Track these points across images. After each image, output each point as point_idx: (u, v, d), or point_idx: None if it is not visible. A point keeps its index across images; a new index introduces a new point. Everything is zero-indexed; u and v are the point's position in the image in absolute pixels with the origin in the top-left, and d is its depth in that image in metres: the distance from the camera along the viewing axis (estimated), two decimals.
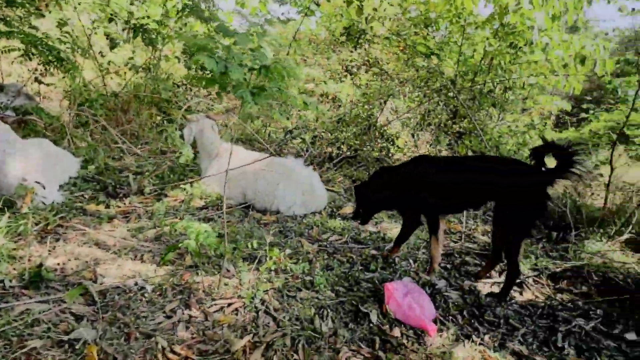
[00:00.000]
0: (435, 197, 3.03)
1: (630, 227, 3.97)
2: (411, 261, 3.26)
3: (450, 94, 5.71)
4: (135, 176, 4.05)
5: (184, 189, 3.93)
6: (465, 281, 3.06)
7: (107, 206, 3.54)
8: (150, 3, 7.06)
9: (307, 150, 5.37)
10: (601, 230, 4.04)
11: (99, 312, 2.18)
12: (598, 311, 2.87)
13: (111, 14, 5.65)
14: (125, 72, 5.96)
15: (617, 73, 10.56)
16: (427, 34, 7.30)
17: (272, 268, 2.72)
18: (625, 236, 3.92)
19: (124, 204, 3.64)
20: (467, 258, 3.47)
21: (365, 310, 2.52)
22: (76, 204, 3.48)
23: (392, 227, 3.92)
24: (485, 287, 3.04)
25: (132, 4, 6.65)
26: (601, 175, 4.52)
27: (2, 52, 4.77)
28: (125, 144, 4.43)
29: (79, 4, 6.40)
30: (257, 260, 2.79)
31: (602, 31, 14.20)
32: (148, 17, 5.89)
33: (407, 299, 2.52)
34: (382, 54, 8.01)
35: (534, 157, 2.84)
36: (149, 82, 5.72)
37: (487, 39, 6.37)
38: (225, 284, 2.58)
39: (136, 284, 2.51)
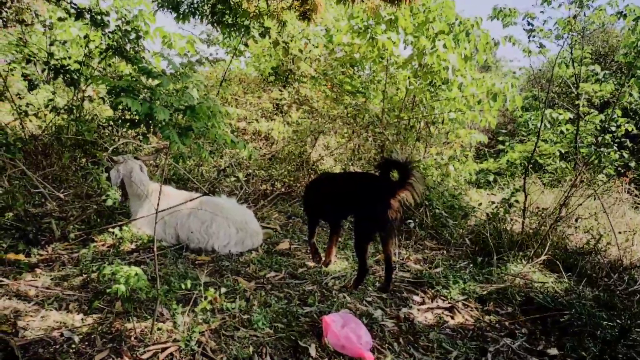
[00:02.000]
0: (319, 205, 3.83)
1: (546, 249, 4.32)
2: (347, 295, 3.33)
3: (378, 130, 6.00)
4: (59, 222, 3.85)
5: (113, 233, 3.78)
6: (401, 309, 3.17)
7: (28, 254, 3.33)
8: (72, 43, 6.89)
9: (241, 188, 5.37)
10: (521, 253, 4.36)
11: None
12: (523, 330, 3.08)
13: (29, 55, 5.44)
14: (45, 114, 5.70)
15: (527, 107, 11.61)
16: (353, 73, 7.67)
17: (208, 308, 2.67)
18: (543, 257, 4.25)
19: (47, 251, 3.44)
20: (402, 286, 3.60)
21: (304, 345, 2.54)
22: None
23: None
24: (419, 314, 3.16)
25: (52, 44, 6.46)
26: (517, 201, 4.89)
27: None
28: (46, 189, 4.20)
29: None
30: (192, 302, 2.73)
31: (511, 70, 15.57)
32: (69, 57, 5.72)
33: (344, 330, 2.58)
34: (312, 92, 8.28)
35: (381, 174, 3.33)
36: (72, 124, 5.50)
37: (408, 78, 6.81)
38: (159, 329, 2.50)
39: (62, 335, 2.37)
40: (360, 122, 6.36)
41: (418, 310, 3.21)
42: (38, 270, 3.12)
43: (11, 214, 3.78)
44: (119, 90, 2.24)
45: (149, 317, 2.60)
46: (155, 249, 2.50)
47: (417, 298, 3.39)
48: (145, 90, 2.37)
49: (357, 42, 6.80)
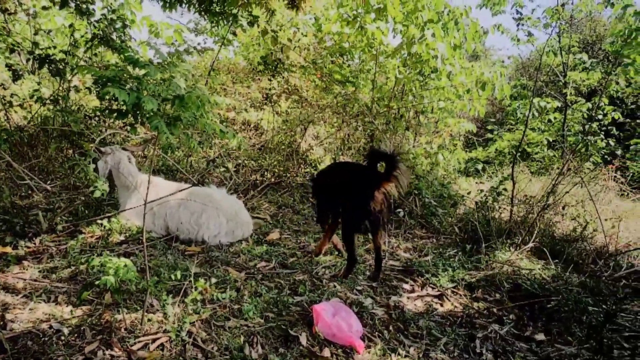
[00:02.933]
0: (320, 194, 3.83)
1: (534, 236, 4.37)
2: (337, 284, 3.34)
3: (367, 119, 6.00)
4: (46, 214, 3.81)
5: (101, 225, 3.76)
6: (391, 297, 3.20)
7: (15, 247, 3.29)
8: (57, 32, 6.77)
9: (230, 179, 5.35)
10: (509, 241, 4.40)
11: (18, 357, 2.02)
12: (511, 316, 3.12)
13: (13, 45, 5.33)
14: (30, 105, 5.61)
15: (515, 96, 11.67)
16: (343, 63, 7.64)
17: (199, 299, 2.67)
18: (530, 245, 4.30)
19: (34, 243, 3.41)
20: (391, 275, 3.63)
21: (295, 334, 2.56)
22: None
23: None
24: (409, 302, 3.19)
25: (36, 33, 6.34)
26: (505, 190, 4.93)
27: None
28: (33, 181, 4.15)
29: None
30: (182, 292, 2.73)
31: (500, 59, 15.64)
32: (54, 47, 5.62)
33: (335, 319, 2.60)
34: (301, 82, 8.24)
35: (368, 165, 3.32)
36: (58, 114, 5.42)
37: (398, 67, 6.79)
38: (149, 320, 2.50)
39: (51, 327, 2.36)
40: (350, 112, 6.35)
41: (408, 298, 3.24)
42: (26, 263, 3.09)
43: None
44: (105, 80, 2.21)
45: (139, 308, 2.59)
46: (144, 240, 2.49)
47: (406, 286, 3.42)
48: (133, 80, 2.34)
49: (346, 31, 6.77)
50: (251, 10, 6.45)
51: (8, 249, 3.23)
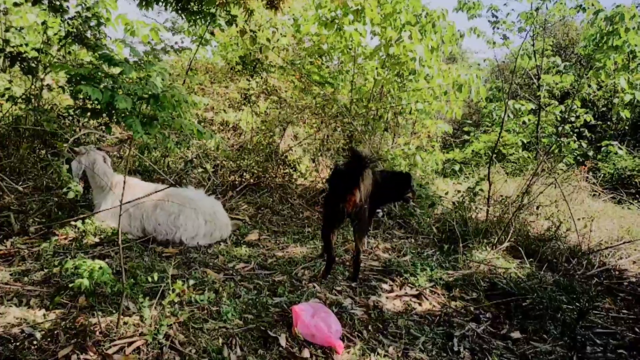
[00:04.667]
0: None
1: (509, 235, 4.45)
2: (316, 284, 3.34)
3: (346, 120, 6.02)
4: (18, 215, 3.71)
5: (75, 226, 3.67)
6: (370, 297, 3.21)
7: None
8: (29, 30, 6.59)
9: (209, 180, 5.30)
10: (485, 240, 4.48)
11: None
12: (487, 315, 3.17)
13: None
14: (1, 104, 5.45)
15: (490, 99, 11.87)
16: (322, 64, 7.65)
17: (176, 301, 2.64)
18: (506, 244, 4.38)
19: (5, 246, 3.30)
20: (370, 275, 3.64)
21: (274, 335, 2.55)
22: None
23: (297, 252, 3.99)
24: (388, 301, 3.21)
25: (7, 30, 6.16)
26: (482, 190, 5.01)
27: None
28: (4, 182, 4.03)
29: None
30: (159, 295, 2.69)
31: (476, 61, 15.89)
32: (26, 44, 5.48)
33: (314, 320, 2.59)
34: (280, 82, 8.22)
35: (347, 165, 3.27)
36: (30, 113, 5.29)
37: (376, 68, 6.84)
38: (125, 323, 2.45)
39: (22, 331, 2.30)
40: (329, 113, 6.36)
41: (387, 298, 3.26)
42: None
43: None
44: (79, 78, 2.16)
45: (114, 311, 2.54)
46: (120, 242, 2.44)
47: (385, 286, 3.44)
48: (108, 78, 2.30)
49: (324, 32, 6.78)
50: (229, 10, 6.40)
51: None
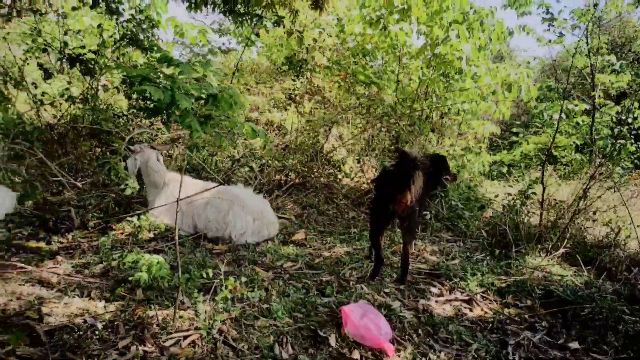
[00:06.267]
0: None
1: (565, 241, 4.27)
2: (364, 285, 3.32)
3: (392, 121, 5.96)
4: (78, 210, 3.88)
5: (131, 222, 3.81)
6: (419, 301, 3.16)
7: (49, 242, 3.36)
8: (85, 33, 6.89)
9: (255, 178, 5.37)
10: (539, 246, 4.32)
11: (49, 353, 2.05)
12: (543, 323, 3.05)
13: (44, 44, 5.45)
14: (60, 104, 5.72)
15: (541, 98, 11.46)
16: (366, 64, 7.61)
17: (229, 297, 2.68)
18: (561, 250, 4.21)
19: (67, 239, 3.47)
20: (419, 278, 3.59)
21: (324, 335, 2.55)
22: (14, 242, 3.27)
23: (343, 252, 3.98)
24: (438, 306, 3.15)
25: (65, 33, 6.45)
26: (534, 193, 4.85)
27: None
28: (64, 178, 4.23)
29: (7, 34, 6.14)
30: (212, 290, 2.74)
31: (525, 59, 15.39)
32: (83, 47, 5.72)
33: (363, 321, 2.57)
34: (324, 82, 8.23)
35: (396, 166, 3.23)
36: (87, 113, 5.52)
37: (421, 68, 6.74)
38: (181, 316, 2.51)
39: (85, 321, 2.39)
40: (374, 113, 6.32)
41: (436, 302, 3.20)
42: (59, 258, 3.15)
43: (30, 202, 3.81)
44: (140, 78, 2.23)
45: (170, 305, 2.61)
46: (177, 238, 2.50)
47: (434, 290, 3.38)
48: (166, 78, 2.36)
49: (369, 32, 6.75)
50: (275, 11, 6.47)
51: (42, 244, 3.29)
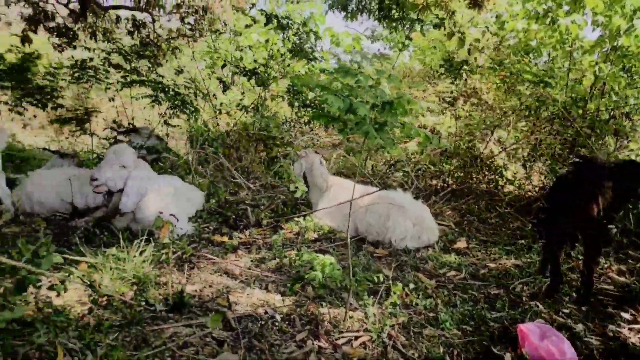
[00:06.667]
0: None
1: None
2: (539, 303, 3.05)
3: (565, 123, 5.41)
4: (253, 209, 4.27)
5: (298, 222, 4.06)
6: (608, 326, 2.80)
7: (230, 237, 3.76)
8: (254, 48, 7.59)
9: (411, 184, 5.32)
10: None
11: (240, 338, 2.28)
12: None
13: (224, 60, 6.14)
14: (235, 112, 6.40)
15: None
16: (529, 61, 7.03)
17: (397, 303, 2.68)
18: None
19: (245, 235, 3.84)
20: (604, 300, 3.18)
21: (499, 353, 2.40)
22: (203, 235, 3.73)
23: (511, 265, 3.71)
24: (632, 334, 2.76)
25: (240, 49, 7.16)
26: None
27: (136, 98, 5.37)
28: (239, 179, 4.70)
29: (193, 52, 7.05)
30: (379, 294, 2.78)
31: None
32: (255, 61, 6.31)
33: (544, 343, 2.36)
34: (481, 84, 7.83)
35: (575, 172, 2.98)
36: (257, 120, 6.07)
37: (597, 63, 5.99)
38: (350, 317, 2.59)
39: (266, 312, 2.60)
40: (543, 115, 5.80)
41: (629, 329, 2.79)
42: (239, 252, 3.50)
43: (214, 200, 4.31)
44: (320, 87, 2.36)
45: (340, 304, 2.71)
46: (349, 242, 2.59)
47: (626, 315, 2.95)
48: (343, 87, 2.45)
49: (534, 27, 6.23)
50: (431, 13, 6.37)
51: (225, 239, 3.70)
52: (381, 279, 2.63)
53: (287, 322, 2.53)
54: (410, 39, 7.89)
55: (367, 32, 12.40)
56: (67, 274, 2.25)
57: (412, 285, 2.85)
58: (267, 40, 6.66)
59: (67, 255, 2.53)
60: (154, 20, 7.90)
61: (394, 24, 8.31)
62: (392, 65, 7.92)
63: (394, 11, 8.16)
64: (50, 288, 2.13)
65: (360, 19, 7.25)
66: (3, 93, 5.66)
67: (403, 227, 3.93)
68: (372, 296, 2.79)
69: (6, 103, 5.86)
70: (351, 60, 10.59)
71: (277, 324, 2.50)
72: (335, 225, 4.14)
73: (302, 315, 2.61)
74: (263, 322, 2.50)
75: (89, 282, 2.34)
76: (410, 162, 5.83)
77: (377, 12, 8.25)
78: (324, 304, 2.70)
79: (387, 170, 5.78)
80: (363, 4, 8.25)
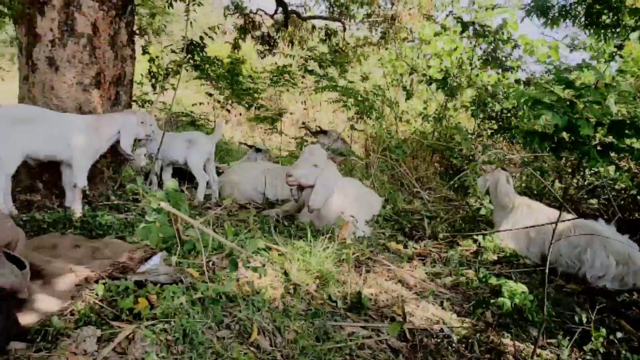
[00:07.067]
0: None
1: None
2: None
3: None
4: (429, 221, 4.18)
5: (476, 240, 3.84)
6: None
7: (405, 246, 3.72)
8: (441, 56, 7.45)
9: (613, 215, 4.60)
10: None
11: (417, 351, 2.23)
12: None
13: (411, 68, 6.14)
14: (415, 120, 6.34)
15: None
16: None
17: (601, 351, 2.33)
18: None
19: (420, 246, 3.77)
20: None
21: None
22: (379, 240, 3.78)
23: None
24: None
25: (422, 57, 7.10)
26: None
27: (327, 103, 5.72)
28: (416, 189, 4.65)
29: (379, 60, 7.21)
30: (576, 336, 2.45)
31: None
32: (443, 70, 6.16)
33: None
34: None
35: None
36: (438, 129, 5.92)
37: None
38: (538, 355, 2.33)
39: (442, 330, 2.50)
40: None
41: None
42: (414, 262, 3.44)
43: (389, 207, 4.34)
44: (535, 101, 2.17)
45: (525, 338, 2.47)
46: (546, 271, 2.34)
47: None
48: (559, 102, 2.22)
49: None
50: None
51: (400, 247, 3.68)
52: (584, 320, 2.31)
53: (464, 345, 2.40)
54: (620, 48, 6.90)
55: (566, 40, 11.19)
56: (266, 259, 2.47)
57: (619, 334, 2.45)
58: (455, 48, 6.46)
59: (267, 243, 2.78)
60: (344, 29, 8.34)
61: (602, 31, 7.35)
62: (598, 77, 6.98)
63: (604, 17, 7.22)
64: (254, 269, 2.36)
65: (561, 25, 6.62)
66: (219, 92, 6.56)
67: (603, 264, 3.41)
68: (567, 337, 2.48)
69: (218, 102, 6.77)
70: (547, 71, 9.69)
71: (453, 344, 2.38)
72: (519, 249, 3.81)
73: (481, 341, 2.44)
74: (438, 340, 2.41)
75: (283, 270, 2.53)
76: (612, 186, 5.03)
77: (584, 18, 7.39)
78: (506, 334, 2.49)
79: (581, 195, 5.09)
80: (567, 9, 7.52)
